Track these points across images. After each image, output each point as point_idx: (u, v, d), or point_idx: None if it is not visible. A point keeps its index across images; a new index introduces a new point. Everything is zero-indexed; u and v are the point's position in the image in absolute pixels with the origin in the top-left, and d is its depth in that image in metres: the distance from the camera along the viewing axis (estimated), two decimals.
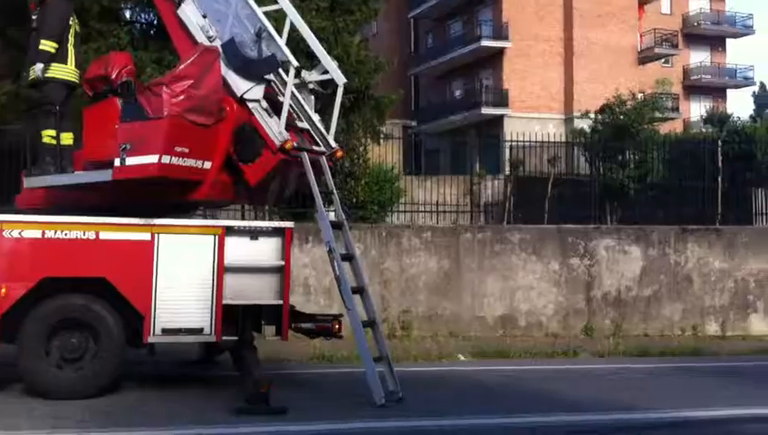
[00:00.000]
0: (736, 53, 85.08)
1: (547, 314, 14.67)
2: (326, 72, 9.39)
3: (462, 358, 12.11)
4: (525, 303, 14.61)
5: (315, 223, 13.91)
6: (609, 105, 25.59)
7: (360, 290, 8.97)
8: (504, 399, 9.22)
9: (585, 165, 22.15)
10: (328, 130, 9.51)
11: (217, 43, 8.89)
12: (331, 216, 9.28)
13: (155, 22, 18.18)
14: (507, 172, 20.93)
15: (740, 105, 74.64)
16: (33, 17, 9.29)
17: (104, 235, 8.25)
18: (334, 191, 9.30)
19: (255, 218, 13.86)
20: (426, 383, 9.95)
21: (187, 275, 8.41)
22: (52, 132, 9.08)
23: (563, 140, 26.47)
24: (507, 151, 21.30)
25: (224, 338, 8.56)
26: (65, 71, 9.14)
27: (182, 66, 8.46)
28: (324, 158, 9.28)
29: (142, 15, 19.08)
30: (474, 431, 7.57)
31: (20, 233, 8.09)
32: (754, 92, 63.76)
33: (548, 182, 19.05)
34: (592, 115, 26.59)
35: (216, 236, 8.49)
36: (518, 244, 14.84)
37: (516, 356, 12.27)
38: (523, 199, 19.69)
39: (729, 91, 53.19)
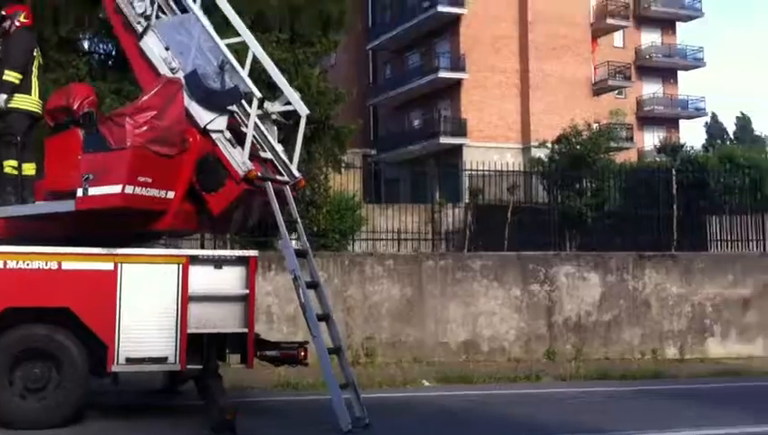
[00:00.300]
0: (688, 84, 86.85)
1: (509, 339, 14.78)
2: (289, 103, 9.48)
3: (426, 384, 12.16)
4: (488, 328, 14.70)
5: (277, 251, 14.02)
6: (565, 135, 26.07)
7: (325, 317, 9.00)
8: (470, 424, 9.28)
9: (543, 193, 22.51)
10: (291, 160, 9.57)
11: (180, 75, 8.94)
12: (295, 244, 9.33)
13: (113, 53, 18.19)
14: (467, 200, 21.15)
15: (692, 135, 76.74)
16: None
17: (67, 265, 8.20)
18: (298, 220, 9.36)
19: (215, 247, 13.84)
20: (391, 409, 9.96)
21: (150, 304, 8.37)
22: (14, 163, 9.05)
23: (521, 169, 26.86)
24: (467, 180, 21.53)
25: (188, 367, 8.50)
26: (29, 101, 9.15)
27: (145, 97, 8.49)
28: (288, 187, 9.34)
29: (101, 46, 19.03)
30: None
31: None
32: (706, 123, 65.31)
33: (507, 210, 19.27)
34: (549, 145, 27.04)
35: (180, 266, 8.47)
36: (479, 271, 14.97)
37: (480, 381, 12.34)
38: (483, 227, 19.88)
39: (681, 122, 54.48)
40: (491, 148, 38.28)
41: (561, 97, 42.78)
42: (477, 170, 20.00)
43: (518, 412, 9.91)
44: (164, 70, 9.02)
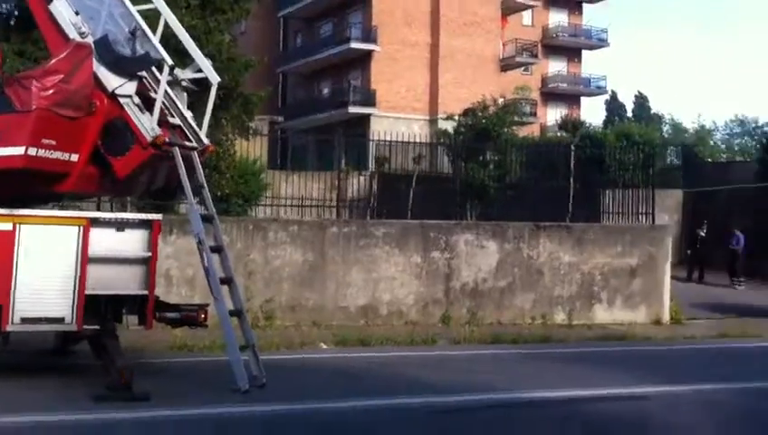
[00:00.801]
0: (591, 63, 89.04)
1: (407, 303, 15.08)
2: (200, 70, 9.54)
3: (324, 346, 12.37)
4: (387, 293, 14.97)
5: (178, 215, 14.01)
6: (472, 109, 26.61)
7: (227, 281, 9.17)
8: (367, 383, 9.55)
9: (448, 164, 22.95)
10: (200, 126, 9.62)
11: (90, 40, 8.91)
12: (201, 209, 9.39)
13: (15, 12, 17.66)
14: (372, 169, 21.38)
15: (593, 112, 78.86)
16: None
17: None
18: (205, 185, 9.41)
19: (112, 210, 13.71)
20: (289, 370, 10.17)
21: (49, 265, 8.36)
22: None
23: (428, 140, 27.30)
24: (374, 149, 21.74)
25: (85, 327, 8.51)
26: None
27: (53, 61, 8.46)
28: (195, 153, 9.38)
29: (3, 6, 18.43)
30: (338, 413, 7.85)
31: None
32: (606, 100, 67.12)
33: (412, 179, 19.59)
34: (456, 118, 27.54)
35: (81, 228, 8.47)
36: (382, 238, 15.21)
37: (378, 344, 12.60)
38: (387, 196, 20.16)
39: (583, 99, 55.89)
40: (399, 119, 38.53)
41: (470, 72, 43.28)
42: (384, 141, 20.22)
43: (414, 373, 10.23)
44: (73, 34, 8.96)
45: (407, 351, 12.30)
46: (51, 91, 8.11)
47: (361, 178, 21.07)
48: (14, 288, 8.19)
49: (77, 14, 9.11)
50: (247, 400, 8.06)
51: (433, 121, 40.11)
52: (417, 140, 22.27)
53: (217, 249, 9.22)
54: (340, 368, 10.65)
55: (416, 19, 43.70)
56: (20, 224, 8.26)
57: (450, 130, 27.51)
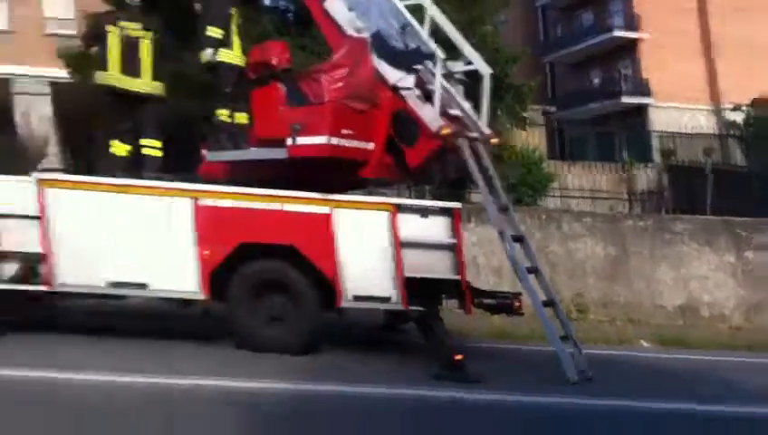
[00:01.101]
0: None
1: (728, 306, 14.00)
2: (470, 63, 9.58)
3: (645, 344, 11.76)
4: (705, 293, 14.00)
5: (473, 204, 13.84)
6: (762, 99, 24.58)
7: (533, 270, 8.94)
8: (695, 386, 8.82)
9: (739, 157, 21.41)
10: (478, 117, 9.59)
11: (365, 35, 9.22)
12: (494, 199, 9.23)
13: (291, 7, 18.43)
14: (657, 161, 20.35)
15: None
16: (197, 5, 9.96)
17: (288, 207, 8.61)
18: (494, 175, 9.30)
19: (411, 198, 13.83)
20: (610, 366, 9.64)
21: (366, 247, 8.59)
22: (226, 112, 9.53)
23: (715, 132, 25.56)
24: (657, 141, 20.73)
25: (410, 308, 8.61)
26: (232, 56, 9.52)
27: (337, 56, 8.90)
28: (481, 143, 9.34)
29: (279, 1, 19.35)
30: (674, 416, 7.23)
31: (216, 202, 8.60)
32: None
33: (702, 173, 18.25)
34: (744, 108, 25.62)
35: (389, 213, 8.64)
36: (683, 233, 14.30)
37: (698, 346, 11.74)
38: (679, 189, 18.98)
39: None
40: (679, 109, 36.41)
41: (747, 59, 39.95)
42: (668, 132, 19.19)
43: (745, 380, 9.30)
44: (350, 30, 9.28)
45: (733, 356, 11.27)
46: (340, 85, 8.52)
47: (648, 170, 19.94)
48: (341, 267, 8.49)
49: (350, 10, 9.48)
50: (579, 392, 7.68)
51: (717, 112, 37.55)
52: (704, 132, 20.99)
53: (518, 238, 9.07)
54: (662, 368, 10.07)
55: (681, 4, 41.22)
56: (335, 208, 8.59)
57: (739, 120, 25.58)
